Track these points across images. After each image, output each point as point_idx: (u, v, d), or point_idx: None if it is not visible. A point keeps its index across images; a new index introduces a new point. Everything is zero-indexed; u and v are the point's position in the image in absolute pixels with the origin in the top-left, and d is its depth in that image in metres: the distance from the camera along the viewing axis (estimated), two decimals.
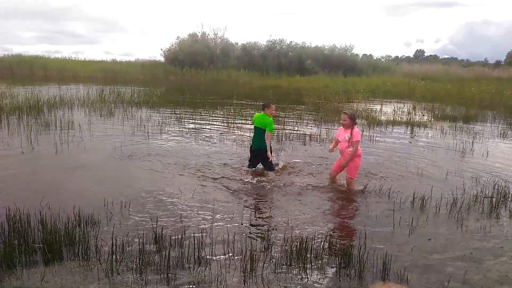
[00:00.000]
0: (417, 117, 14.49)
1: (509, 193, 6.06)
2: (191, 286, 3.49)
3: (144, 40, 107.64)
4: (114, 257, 3.81)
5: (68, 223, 4.29)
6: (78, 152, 8.04)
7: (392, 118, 13.92)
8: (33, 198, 5.31)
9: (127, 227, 4.60)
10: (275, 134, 10.02)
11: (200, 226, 4.71)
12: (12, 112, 11.96)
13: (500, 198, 5.83)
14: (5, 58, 38.07)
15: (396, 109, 16.37)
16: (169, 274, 3.65)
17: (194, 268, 3.79)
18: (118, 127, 10.89)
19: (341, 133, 6.22)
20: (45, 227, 4.17)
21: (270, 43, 38.77)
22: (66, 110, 13.35)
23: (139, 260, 3.80)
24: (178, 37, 42.36)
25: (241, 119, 12.85)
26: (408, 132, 11.76)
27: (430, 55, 73.74)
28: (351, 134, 6.03)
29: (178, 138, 9.79)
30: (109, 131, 10.28)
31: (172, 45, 39.52)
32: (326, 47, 38.82)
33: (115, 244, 3.95)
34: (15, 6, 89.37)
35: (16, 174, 6.47)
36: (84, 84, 25.49)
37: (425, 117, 14.71)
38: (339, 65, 36.01)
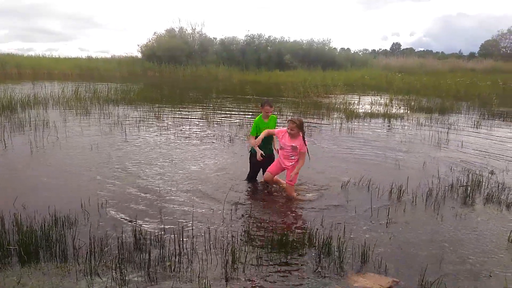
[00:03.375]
0: (394, 109, 14.73)
1: (483, 181, 6.24)
2: (172, 283, 3.47)
3: (120, 36, 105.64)
4: (92, 257, 3.75)
5: (44, 223, 4.19)
6: (54, 151, 7.86)
7: (369, 111, 14.11)
8: (7, 199, 5.16)
9: (105, 226, 4.53)
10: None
11: (180, 222, 4.68)
12: None
13: (475, 187, 5.99)
14: None
15: (373, 101, 16.60)
16: (150, 272, 3.62)
17: (175, 264, 3.77)
18: (95, 125, 10.70)
19: (286, 139, 5.55)
20: (20, 228, 4.07)
21: (249, 38, 38.68)
22: (40, 109, 13.02)
23: (119, 259, 3.75)
24: (155, 32, 41.98)
25: (221, 115, 12.80)
26: (386, 124, 11.95)
27: (406, 48, 74.81)
28: (298, 145, 5.45)
29: (156, 136, 9.68)
30: (85, 129, 10.08)
31: (149, 41, 38.95)
32: (304, 42, 39.01)
33: (93, 244, 3.89)
34: None
35: None
36: (59, 81, 24.91)
37: (402, 109, 14.97)
38: (318, 59, 36.27)
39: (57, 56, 40.96)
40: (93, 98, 15.61)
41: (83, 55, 53.62)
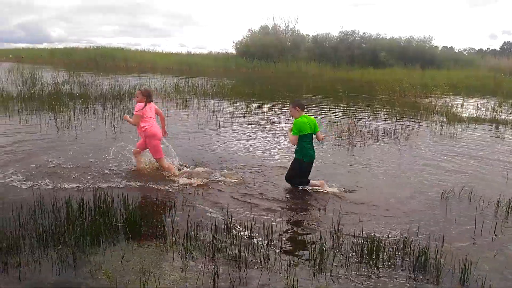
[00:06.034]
0: (503, 115, 13.33)
1: None
2: (261, 274, 3.53)
3: (216, 33, 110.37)
4: (188, 241, 3.97)
5: (146, 205, 4.54)
6: None
7: (475, 115, 12.96)
8: (116, 181, 5.72)
9: (201, 213, 4.78)
10: (346, 128, 9.78)
11: (269, 217, 4.75)
12: (97, 100, 12.97)
13: None
14: (90, 49, 40.70)
15: (479, 105, 15.21)
16: (240, 261, 3.72)
17: (264, 258, 3.83)
18: (192, 117, 11.32)
19: None
20: (127, 207, 4.46)
21: (342, 34, 37.87)
22: None
23: (212, 246, 3.93)
24: (249, 29, 42.84)
25: (311, 111, 12.72)
26: (493, 131, 10.87)
27: None
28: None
29: (247, 130, 9.93)
30: (184, 121, 10.72)
31: (244, 38, 40.06)
32: (402, 39, 37.08)
33: (190, 228, 4.11)
34: (97, 1, 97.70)
35: (100, 156, 6.97)
36: (162, 75, 26.75)
37: None
38: (416, 57, 34.15)
39: (160, 51, 44.05)
40: (191, 92, 16.51)
41: (183, 50, 56.74)
